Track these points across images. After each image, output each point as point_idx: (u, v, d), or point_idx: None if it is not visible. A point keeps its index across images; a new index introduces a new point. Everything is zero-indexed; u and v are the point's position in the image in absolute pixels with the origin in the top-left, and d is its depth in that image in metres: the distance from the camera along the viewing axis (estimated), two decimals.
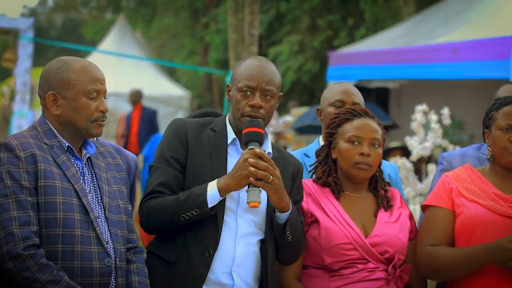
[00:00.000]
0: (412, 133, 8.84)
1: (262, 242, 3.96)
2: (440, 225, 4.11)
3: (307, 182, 4.27)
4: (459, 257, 3.99)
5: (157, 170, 3.96)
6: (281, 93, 4.10)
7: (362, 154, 4.12)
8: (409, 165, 8.32)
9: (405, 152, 10.11)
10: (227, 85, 4.07)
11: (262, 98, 3.94)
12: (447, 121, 8.85)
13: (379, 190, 4.27)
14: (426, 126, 8.70)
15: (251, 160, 3.71)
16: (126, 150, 4.41)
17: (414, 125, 8.68)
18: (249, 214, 3.92)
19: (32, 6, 53.46)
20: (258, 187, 3.72)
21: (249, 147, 3.80)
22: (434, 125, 8.56)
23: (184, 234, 3.87)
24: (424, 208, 4.25)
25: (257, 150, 3.75)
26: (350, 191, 4.23)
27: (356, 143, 4.15)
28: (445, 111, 8.85)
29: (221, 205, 3.85)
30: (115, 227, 3.66)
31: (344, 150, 4.17)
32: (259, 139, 3.84)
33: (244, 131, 3.86)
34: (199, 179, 3.85)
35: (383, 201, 4.24)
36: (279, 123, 16.31)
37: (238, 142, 3.98)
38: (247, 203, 3.72)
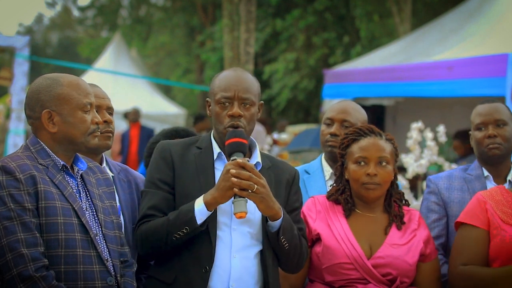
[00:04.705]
0: (407, 151, 8.84)
1: (261, 253, 3.92)
2: (474, 245, 4.02)
3: (320, 198, 4.28)
4: (498, 275, 3.91)
5: (147, 195, 3.96)
6: (262, 102, 4.08)
7: (368, 174, 4.13)
8: (404, 182, 8.31)
9: (400, 169, 10.11)
10: (207, 101, 4.06)
11: (241, 107, 3.91)
12: (442, 138, 8.86)
13: (392, 206, 4.25)
14: (422, 144, 8.71)
15: (232, 171, 3.68)
16: (134, 170, 4.41)
17: (409, 143, 8.69)
18: (244, 226, 3.89)
19: (28, 24, 53.47)
20: (244, 197, 3.69)
21: (232, 158, 3.78)
22: (430, 143, 8.57)
23: (180, 254, 3.85)
24: (457, 225, 4.18)
25: (239, 160, 3.72)
26: (362, 211, 4.22)
27: (362, 163, 4.16)
28: (441, 128, 8.87)
29: (213, 220, 3.83)
30: (112, 243, 3.65)
31: (352, 171, 4.18)
32: (242, 149, 3.81)
33: (226, 143, 3.84)
34: (189, 197, 3.82)
35: (396, 219, 4.22)
36: (266, 139, 16.25)
37: (224, 156, 3.95)
38: (234, 214, 3.69)
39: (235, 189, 3.67)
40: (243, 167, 3.70)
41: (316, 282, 4.16)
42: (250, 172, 3.70)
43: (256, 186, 3.69)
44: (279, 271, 4.07)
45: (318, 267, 4.11)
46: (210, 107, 4.02)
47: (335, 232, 4.11)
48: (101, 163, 4.18)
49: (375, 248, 4.11)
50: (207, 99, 4.06)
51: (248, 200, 3.71)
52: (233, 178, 3.66)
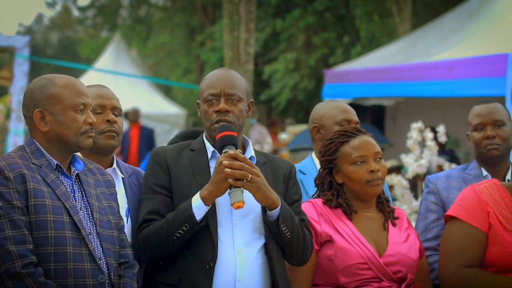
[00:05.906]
0: (407, 151, 8.83)
1: (265, 246, 3.92)
2: (475, 246, 3.92)
3: (318, 202, 4.27)
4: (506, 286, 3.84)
5: (145, 201, 3.98)
6: (252, 100, 4.11)
7: (372, 171, 4.14)
8: (405, 182, 8.31)
9: (400, 169, 10.11)
10: (197, 103, 4.08)
11: (228, 103, 3.95)
12: (442, 138, 8.84)
13: (383, 203, 4.29)
14: (422, 144, 8.70)
15: (225, 162, 3.71)
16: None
17: (409, 143, 8.68)
18: (246, 220, 3.90)
19: (28, 24, 53.45)
20: (240, 188, 3.70)
21: (223, 151, 3.80)
22: (430, 143, 8.56)
23: (183, 254, 3.86)
24: (447, 218, 4.05)
25: (231, 151, 3.75)
26: (361, 211, 4.24)
27: (361, 162, 4.17)
28: (441, 128, 8.85)
29: (213, 217, 3.84)
30: (107, 242, 3.65)
31: (352, 172, 4.18)
32: (233, 142, 3.83)
33: (216, 137, 3.86)
34: (187, 198, 3.83)
35: (390, 215, 4.26)
36: (267, 139, 16.25)
37: (218, 154, 3.95)
38: (231, 205, 3.70)
39: (230, 180, 3.68)
40: (235, 158, 3.72)
41: (322, 286, 4.15)
42: (242, 162, 3.72)
43: (250, 175, 3.70)
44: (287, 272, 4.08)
45: (331, 270, 4.10)
46: (200, 108, 4.05)
47: (343, 234, 4.12)
48: (111, 165, 4.20)
49: (381, 246, 4.14)
50: (197, 101, 4.08)
51: (246, 193, 3.72)
52: (226, 169, 3.69)
